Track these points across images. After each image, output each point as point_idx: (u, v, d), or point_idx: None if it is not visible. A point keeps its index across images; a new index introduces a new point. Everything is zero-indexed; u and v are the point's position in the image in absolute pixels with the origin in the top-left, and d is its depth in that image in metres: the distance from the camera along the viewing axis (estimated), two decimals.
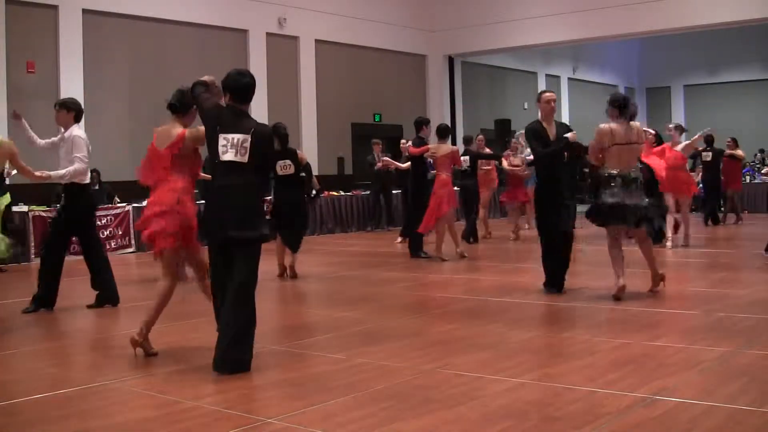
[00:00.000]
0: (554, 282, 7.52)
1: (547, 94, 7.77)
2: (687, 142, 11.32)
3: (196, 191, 12.71)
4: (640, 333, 5.65)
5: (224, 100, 5.07)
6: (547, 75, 25.24)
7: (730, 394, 4.08)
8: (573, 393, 4.19)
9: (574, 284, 7.90)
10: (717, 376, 4.49)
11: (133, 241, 12.91)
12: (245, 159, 4.87)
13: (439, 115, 20.99)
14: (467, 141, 13.37)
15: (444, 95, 21.28)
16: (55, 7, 13.70)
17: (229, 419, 3.90)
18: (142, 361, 5.26)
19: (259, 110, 15.74)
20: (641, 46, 28.30)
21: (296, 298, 8.15)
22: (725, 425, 3.63)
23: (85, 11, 14.06)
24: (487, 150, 13.78)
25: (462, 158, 11.54)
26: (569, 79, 26.09)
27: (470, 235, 12.57)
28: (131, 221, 12.87)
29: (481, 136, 13.91)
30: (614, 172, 6.91)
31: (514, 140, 13.84)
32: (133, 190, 13.87)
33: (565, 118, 25.69)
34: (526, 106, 24.17)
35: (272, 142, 5.25)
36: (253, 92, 5.07)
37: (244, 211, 4.87)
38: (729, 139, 15.91)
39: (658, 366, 4.68)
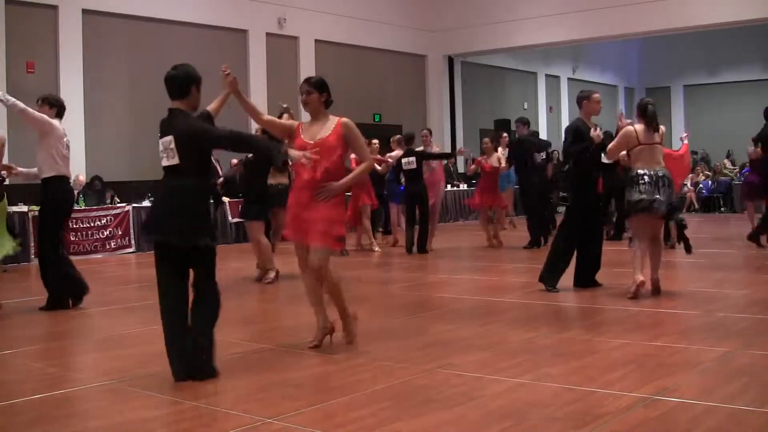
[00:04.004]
0: (584, 279, 7.65)
1: (597, 94, 7.69)
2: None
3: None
4: (640, 333, 5.65)
5: None
6: (547, 75, 25.25)
7: (730, 394, 4.08)
8: (573, 393, 4.19)
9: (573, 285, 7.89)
10: (717, 376, 4.49)
11: (132, 241, 12.91)
12: (176, 161, 4.69)
13: (438, 115, 21.04)
14: (408, 140, 11.52)
15: (444, 95, 21.29)
16: (55, 7, 13.71)
17: (229, 419, 3.90)
18: (142, 361, 5.26)
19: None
20: (641, 46, 28.31)
21: (296, 298, 8.14)
22: (725, 425, 3.62)
23: (85, 11, 14.07)
24: (435, 148, 12.35)
25: (407, 159, 11.13)
26: (569, 79, 26.10)
27: (413, 245, 11.35)
28: (131, 221, 12.87)
29: (425, 131, 12.18)
30: (642, 171, 7.06)
31: (485, 140, 12.53)
32: (132, 190, 13.94)
33: (565, 119, 25.76)
34: (526, 106, 24.18)
35: (200, 140, 4.73)
36: (177, 84, 4.77)
37: (180, 215, 4.68)
38: None
39: (658, 366, 4.68)
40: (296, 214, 5.27)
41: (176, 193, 4.72)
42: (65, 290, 7.26)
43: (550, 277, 7.53)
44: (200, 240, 4.65)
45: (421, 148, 11.72)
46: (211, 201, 4.98)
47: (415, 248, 11.35)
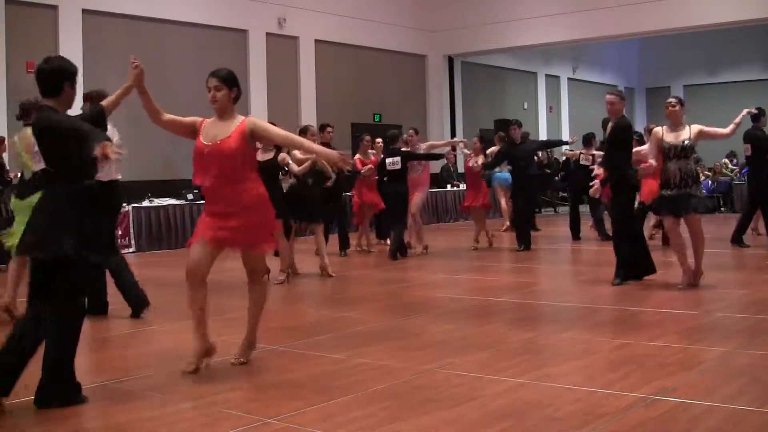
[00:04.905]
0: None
1: (606, 95, 7.87)
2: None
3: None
4: (640, 333, 5.65)
5: None
6: (547, 75, 25.24)
7: (730, 394, 4.09)
8: (573, 393, 4.19)
9: (574, 284, 7.91)
10: (717, 376, 4.49)
11: (132, 241, 12.92)
12: (43, 165, 4.30)
13: (438, 116, 21.02)
14: (393, 139, 11.14)
15: (444, 95, 21.28)
16: (55, 7, 13.69)
17: (229, 419, 3.90)
18: (142, 362, 5.27)
19: (259, 111, 15.73)
20: (641, 46, 28.31)
21: (296, 298, 8.16)
22: (725, 425, 3.63)
23: (85, 11, 14.06)
24: (421, 146, 11.84)
25: (392, 159, 10.82)
26: (569, 79, 26.09)
27: (398, 250, 10.87)
28: (131, 221, 12.88)
29: (411, 131, 11.82)
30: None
31: (473, 140, 12.31)
32: (132, 191, 13.92)
33: (565, 119, 25.77)
34: (525, 106, 24.18)
35: (54, 135, 4.23)
36: (47, 80, 4.30)
37: (45, 224, 4.20)
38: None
39: (658, 366, 4.68)
40: (211, 224, 4.79)
41: (43, 202, 4.29)
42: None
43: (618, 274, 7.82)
44: (61, 250, 4.11)
45: (407, 149, 11.36)
46: (87, 208, 4.32)
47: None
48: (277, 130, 4.99)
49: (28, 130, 6.70)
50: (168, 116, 4.98)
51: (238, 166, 4.75)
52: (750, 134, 10.81)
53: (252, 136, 4.81)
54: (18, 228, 6.55)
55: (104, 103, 4.77)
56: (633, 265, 7.91)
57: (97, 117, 4.57)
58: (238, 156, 4.73)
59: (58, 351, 4.20)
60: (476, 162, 11.83)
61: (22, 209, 6.51)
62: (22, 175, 6.93)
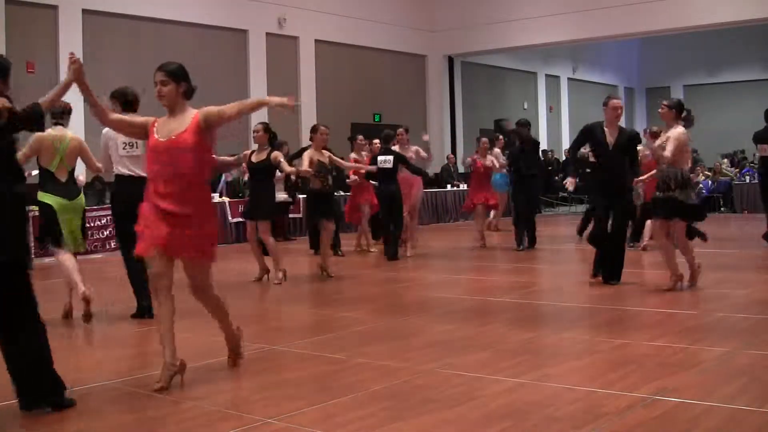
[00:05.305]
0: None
1: (614, 100, 7.77)
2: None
3: None
4: (640, 333, 5.65)
5: None
6: (547, 75, 25.26)
7: (730, 394, 4.08)
8: (573, 393, 4.19)
9: (574, 284, 7.90)
10: (717, 376, 4.49)
11: None
12: None
13: (438, 116, 21.03)
14: (387, 139, 10.88)
15: (444, 95, 21.30)
16: (55, 7, 13.71)
17: (229, 419, 3.90)
18: (141, 362, 5.26)
19: (259, 110, 15.76)
20: (641, 46, 28.33)
21: (296, 298, 8.15)
22: (725, 425, 3.63)
23: (85, 11, 14.08)
24: (412, 149, 11.51)
25: (384, 158, 10.61)
26: (569, 79, 26.11)
27: (396, 251, 10.74)
28: None
29: (401, 130, 11.52)
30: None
31: (483, 140, 12.32)
32: None
33: (565, 119, 25.78)
34: (525, 106, 24.20)
35: None
36: None
37: None
38: None
39: (658, 366, 4.68)
40: (159, 229, 4.44)
41: None
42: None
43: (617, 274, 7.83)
44: (5, 255, 3.97)
45: (396, 147, 11.13)
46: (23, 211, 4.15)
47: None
48: (226, 106, 4.63)
49: (68, 133, 6.84)
50: (116, 115, 4.83)
51: (196, 165, 4.49)
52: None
53: (207, 125, 4.53)
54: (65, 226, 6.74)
55: (41, 101, 4.59)
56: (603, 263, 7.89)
57: (34, 114, 4.41)
58: (196, 151, 4.48)
59: (41, 350, 4.14)
60: (492, 161, 11.89)
61: (69, 209, 6.71)
62: (51, 174, 6.82)
